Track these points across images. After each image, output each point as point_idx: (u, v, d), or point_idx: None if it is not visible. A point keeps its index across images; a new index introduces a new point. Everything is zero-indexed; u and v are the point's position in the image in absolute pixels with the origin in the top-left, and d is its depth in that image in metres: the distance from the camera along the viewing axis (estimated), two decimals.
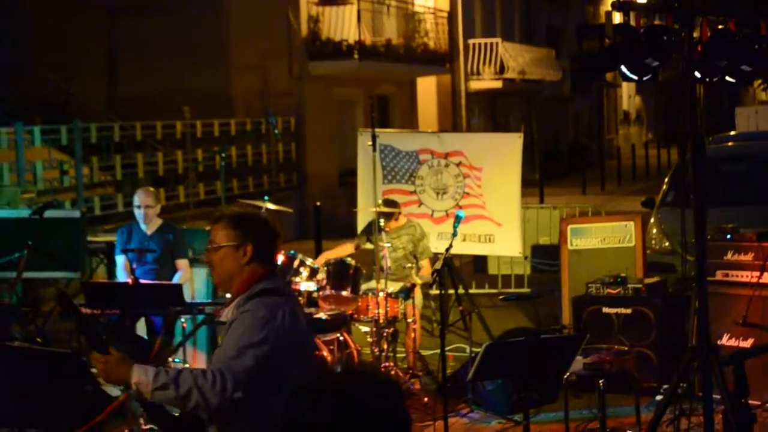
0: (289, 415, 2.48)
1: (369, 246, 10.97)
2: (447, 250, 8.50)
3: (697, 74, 6.44)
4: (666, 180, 14.67)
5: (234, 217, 4.69)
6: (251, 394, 4.34)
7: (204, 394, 4.25)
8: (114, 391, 5.53)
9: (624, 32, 6.24)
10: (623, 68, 6.26)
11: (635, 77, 6.32)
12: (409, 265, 10.54)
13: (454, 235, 8.95)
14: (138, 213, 9.81)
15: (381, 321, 9.62)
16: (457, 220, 8.97)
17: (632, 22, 6.37)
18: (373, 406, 2.45)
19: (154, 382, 4.27)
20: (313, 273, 9.64)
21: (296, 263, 9.64)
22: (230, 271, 4.63)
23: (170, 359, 8.62)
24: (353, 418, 2.42)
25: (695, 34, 6.49)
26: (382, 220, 10.23)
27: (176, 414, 4.57)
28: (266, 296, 4.54)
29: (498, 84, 31.07)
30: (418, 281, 10.31)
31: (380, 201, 10.77)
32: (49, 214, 8.54)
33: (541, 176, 26.47)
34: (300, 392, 2.53)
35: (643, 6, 7.06)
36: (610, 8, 6.72)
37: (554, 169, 33.60)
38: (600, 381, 7.81)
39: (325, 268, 9.70)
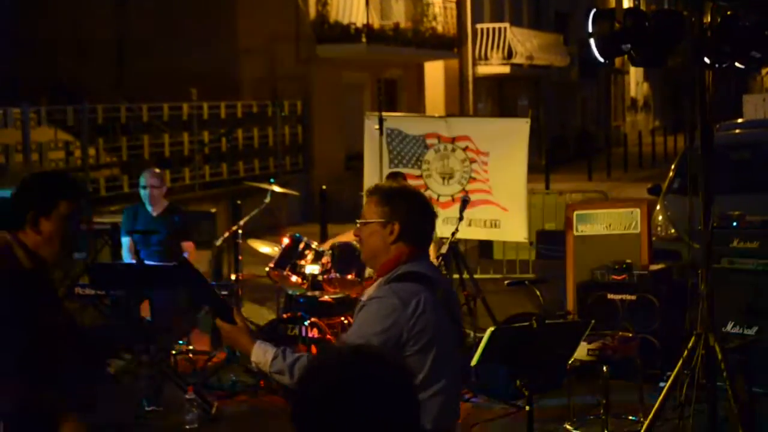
0: (297, 393, 2.47)
1: None
2: (453, 234, 8.48)
3: (706, 60, 6.42)
4: (672, 167, 14.64)
5: (386, 193, 4.51)
6: None
7: None
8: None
9: (634, 17, 6.21)
10: (632, 53, 6.24)
11: (644, 63, 6.30)
12: None
13: (460, 219, 8.93)
14: (144, 193, 9.82)
15: None
16: (464, 204, 8.96)
17: (642, 7, 6.35)
18: (380, 387, 2.44)
19: (271, 365, 4.24)
20: (318, 256, 9.63)
21: (301, 246, 9.63)
22: (376, 249, 4.46)
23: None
24: (360, 398, 2.41)
25: (705, 20, 6.47)
26: None
27: None
28: (406, 281, 4.34)
29: (506, 69, 31.01)
30: None
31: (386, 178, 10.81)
32: None
33: (547, 162, 26.43)
34: (307, 371, 2.52)
35: None
36: None
37: (560, 155, 33.57)
38: (604, 367, 7.80)
39: (330, 252, 9.70)
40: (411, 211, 4.47)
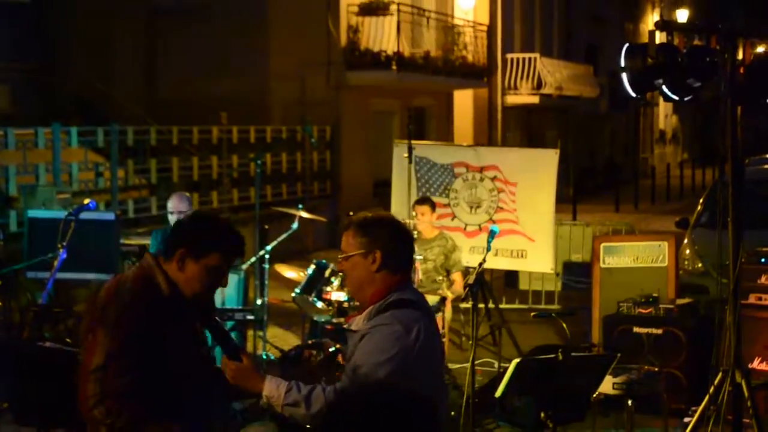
0: (326, 421, 2.47)
1: None
2: (480, 264, 8.47)
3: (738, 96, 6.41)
4: (701, 201, 14.58)
5: (361, 223, 4.49)
6: None
7: None
8: None
9: (667, 52, 6.21)
10: (664, 88, 6.24)
11: (676, 97, 6.30)
12: (440, 277, 10.54)
13: (488, 249, 8.93)
14: (171, 218, 9.85)
15: None
16: (492, 235, 8.95)
17: (675, 42, 6.36)
18: (407, 418, 2.44)
19: (285, 398, 4.21)
20: (344, 283, 9.61)
21: (327, 273, 9.63)
22: (361, 281, 4.45)
23: None
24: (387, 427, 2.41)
25: (738, 56, 6.46)
26: (415, 222, 10.26)
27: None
28: (401, 308, 4.34)
29: (535, 99, 31.01)
30: (450, 295, 10.29)
31: (414, 203, 10.84)
32: (84, 215, 8.57)
33: (574, 192, 26.39)
34: (337, 399, 2.53)
35: (687, 26, 7.03)
36: (650, 27, 6.71)
37: (588, 186, 33.50)
38: (629, 401, 7.77)
39: None
40: (389, 236, 4.45)
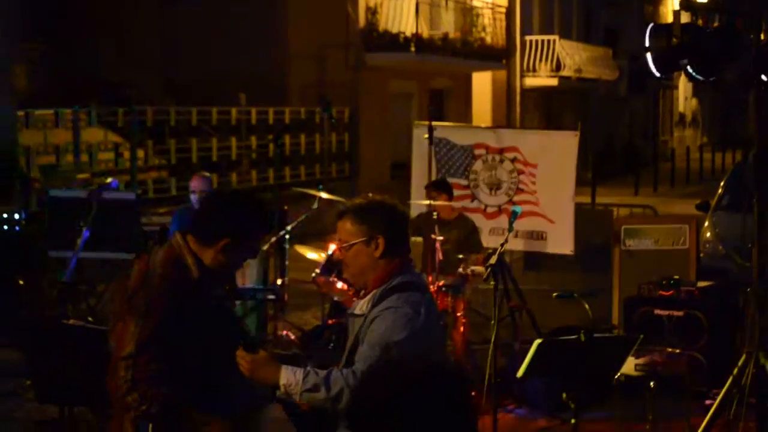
0: (354, 401, 2.47)
1: (417, 239, 10.98)
2: (502, 245, 8.45)
3: (764, 77, 6.37)
4: (722, 184, 14.53)
5: (359, 210, 4.42)
6: None
7: None
8: None
9: (691, 32, 6.18)
10: (689, 68, 6.21)
11: (701, 77, 6.26)
12: (460, 256, 10.54)
13: (510, 229, 8.88)
14: (193, 198, 9.87)
15: None
16: (514, 215, 8.92)
17: (699, 22, 6.32)
18: (439, 392, 2.44)
19: (303, 383, 4.15)
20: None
21: None
22: (364, 267, 4.38)
23: None
24: (418, 404, 2.40)
25: (762, 36, 6.42)
26: (434, 204, 10.26)
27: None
28: (406, 291, 4.32)
29: (554, 81, 30.91)
30: (470, 276, 10.28)
31: (429, 186, 10.81)
32: (105, 195, 8.59)
33: (593, 175, 26.31)
34: (364, 378, 2.52)
35: (711, 6, 6.99)
36: (670, 8, 6.70)
37: (607, 169, 33.39)
38: (651, 383, 7.75)
39: None
40: (389, 221, 4.42)
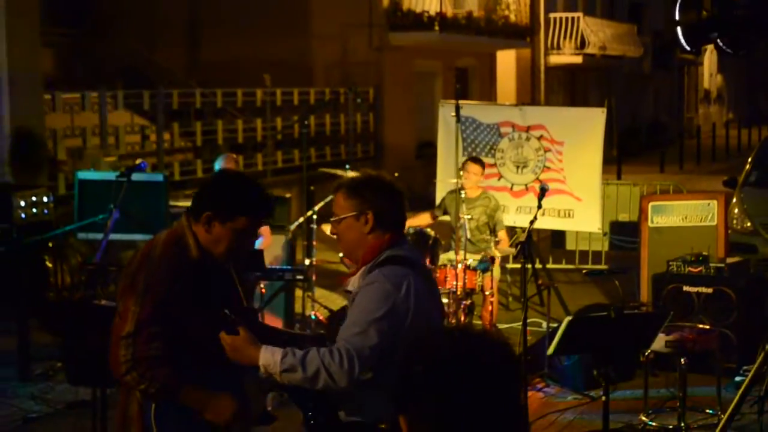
0: (403, 371, 2.46)
1: (445, 218, 10.98)
2: (531, 222, 8.41)
3: None
4: (749, 160, 14.46)
5: (351, 184, 4.44)
6: (381, 373, 4.12)
7: (332, 375, 4.07)
8: None
9: (722, 5, 6.12)
10: (719, 41, 6.15)
11: (731, 51, 6.21)
12: (486, 236, 10.53)
13: (539, 207, 8.83)
14: None
15: (458, 293, 9.60)
16: (542, 192, 8.86)
17: None
18: (488, 360, 2.43)
19: (281, 364, 4.13)
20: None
21: None
22: (354, 242, 4.39)
23: None
24: (469, 372, 2.40)
25: None
26: (462, 182, 10.25)
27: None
28: (392, 265, 4.29)
29: (578, 59, 30.78)
30: (498, 254, 10.29)
31: (465, 160, 10.80)
32: (133, 177, 8.61)
33: (619, 153, 26.21)
34: (413, 347, 2.50)
35: None
36: None
37: (632, 146, 33.25)
38: (682, 359, 7.74)
39: None
40: (380, 196, 4.40)
